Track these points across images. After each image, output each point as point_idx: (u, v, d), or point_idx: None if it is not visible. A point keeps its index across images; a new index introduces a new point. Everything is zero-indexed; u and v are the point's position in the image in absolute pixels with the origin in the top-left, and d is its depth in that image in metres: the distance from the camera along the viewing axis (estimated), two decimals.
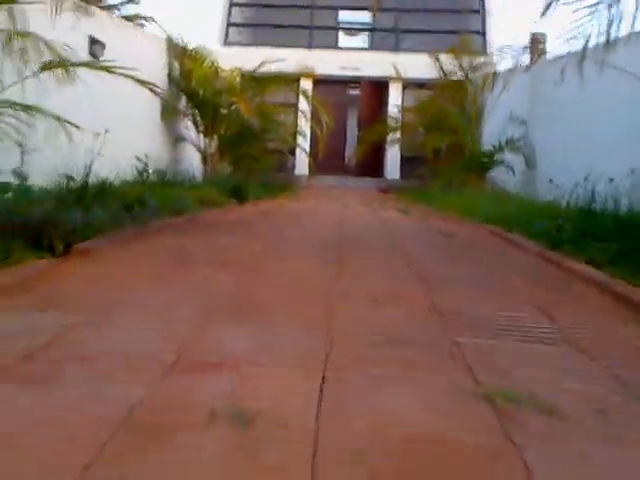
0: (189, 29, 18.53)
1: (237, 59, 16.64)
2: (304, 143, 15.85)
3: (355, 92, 17.71)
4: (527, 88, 9.30)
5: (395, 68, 15.32)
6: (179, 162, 10.48)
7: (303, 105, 16.77)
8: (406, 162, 15.61)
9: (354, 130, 17.42)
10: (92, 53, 7.66)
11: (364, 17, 19.61)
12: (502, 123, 9.19)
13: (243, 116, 9.90)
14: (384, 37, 18.46)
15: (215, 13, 17.39)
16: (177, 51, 10.12)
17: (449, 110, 9.97)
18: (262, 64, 10.74)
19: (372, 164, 16.61)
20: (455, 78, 10.07)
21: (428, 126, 11.16)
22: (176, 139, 10.42)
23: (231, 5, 17.46)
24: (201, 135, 10.69)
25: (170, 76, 10.14)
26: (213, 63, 10.28)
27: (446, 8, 17.16)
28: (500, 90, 8.90)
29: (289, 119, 15.63)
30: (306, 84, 16.73)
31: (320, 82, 16.94)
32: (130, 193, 6.15)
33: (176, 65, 10.21)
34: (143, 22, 12.99)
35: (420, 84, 15.39)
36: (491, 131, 9.41)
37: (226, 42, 17.10)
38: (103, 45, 7.82)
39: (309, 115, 16.55)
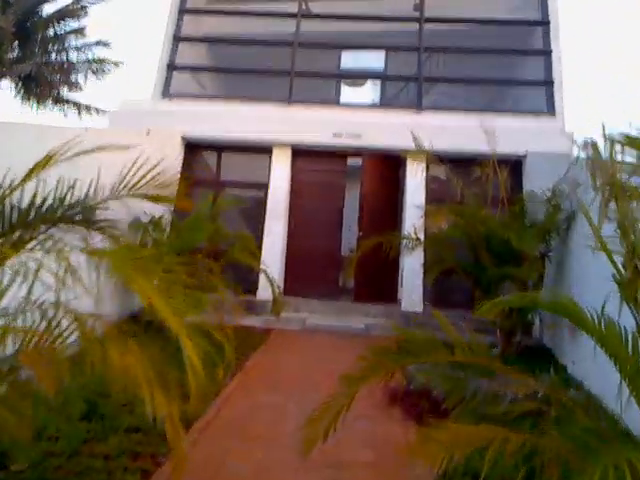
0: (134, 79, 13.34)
1: (180, 119, 11.23)
2: (271, 254, 10.09)
3: (356, 161, 11.86)
4: None
5: (415, 138, 9.50)
6: None
7: (279, 186, 11.14)
8: (434, 280, 9.68)
9: (354, 216, 11.47)
10: None
11: (373, 60, 14.00)
12: None
13: None
14: (397, 90, 12.93)
15: (154, 53, 11.93)
16: None
17: None
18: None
19: (379, 280, 10.81)
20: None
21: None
22: None
23: (176, 39, 11.99)
24: None
25: None
26: None
27: (493, 47, 11.63)
28: None
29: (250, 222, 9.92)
30: (281, 157, 11.10)
31: (303, 153, 11.30)
32: None
33: None
34: None
35: (459, 159, 9.71)
36: None
37: (165, 94, 11.54)
38: None
39: (286, 205, 10.88)
